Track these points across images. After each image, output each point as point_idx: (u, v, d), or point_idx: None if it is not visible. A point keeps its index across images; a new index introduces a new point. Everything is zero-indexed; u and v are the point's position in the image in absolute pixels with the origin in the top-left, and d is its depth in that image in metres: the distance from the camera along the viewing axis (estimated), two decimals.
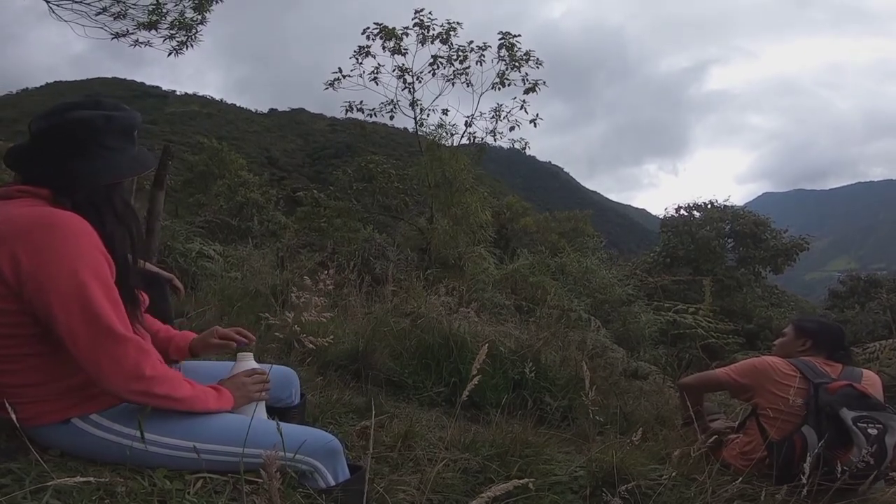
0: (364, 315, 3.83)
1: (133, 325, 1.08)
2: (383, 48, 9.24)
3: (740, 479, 1.70)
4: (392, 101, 9.46)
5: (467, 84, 9.38)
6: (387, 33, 9.14)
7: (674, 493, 1.77)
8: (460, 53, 9.32)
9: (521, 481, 0.94)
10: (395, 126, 10.31)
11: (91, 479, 0.82)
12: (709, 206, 18.09)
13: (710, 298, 5.41)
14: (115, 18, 7.15)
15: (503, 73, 9.34)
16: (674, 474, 1.79)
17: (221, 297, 3.89)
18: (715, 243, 15.97)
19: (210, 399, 1.16)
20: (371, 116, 9.66)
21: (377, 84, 9.36)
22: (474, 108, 9.60)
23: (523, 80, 9.31)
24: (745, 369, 2.08)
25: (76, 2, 6.80)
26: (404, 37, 9.20)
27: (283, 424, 1.14)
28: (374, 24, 9.18)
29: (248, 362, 1.35)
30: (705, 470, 1.82)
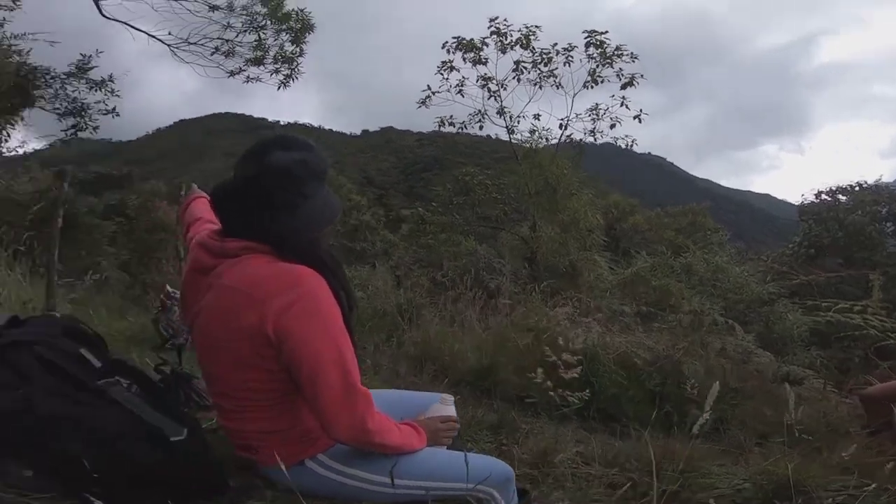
0: (483, 330, 3.84)
1: None
2: (464, 60, 9.36)
3: None
4: (479, 111, 9.53)
5: (557, 86, 9.21)
6: (466, 46, 9.26)
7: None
8: (544, 56, 9.17)
9: None
10: (480, 135, 10.38)
11: None
12: (856, 187, 15.53)
13: (878, 293, 4.59)
14: (225, 56, 8.01)
15: (594, 72, 9.04)
16: (872, 486, 1.55)
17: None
18: (871, 228, 13.62)
19: (413, 442, 1.22)
20: (462, 129, 9.79)
21: (463, 97, 9.49)
22: (569, 109, 9.37)
23: (618, 75, 8.94)
24: None
25: (192, 44, 7.78)
26: (484, 47, 9.26)
27: (469, 455, 1.19)
28: (453, 38, 9.35)
29: (449, 408, 1.38)
30: None
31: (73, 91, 7.96)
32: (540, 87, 9.23)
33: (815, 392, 3.61)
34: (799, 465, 1.76)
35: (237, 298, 1.04)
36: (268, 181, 1.07)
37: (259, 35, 8.02)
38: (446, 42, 9.33)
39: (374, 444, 1.13)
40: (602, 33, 8.95)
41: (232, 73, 8.31)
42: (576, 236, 7.26)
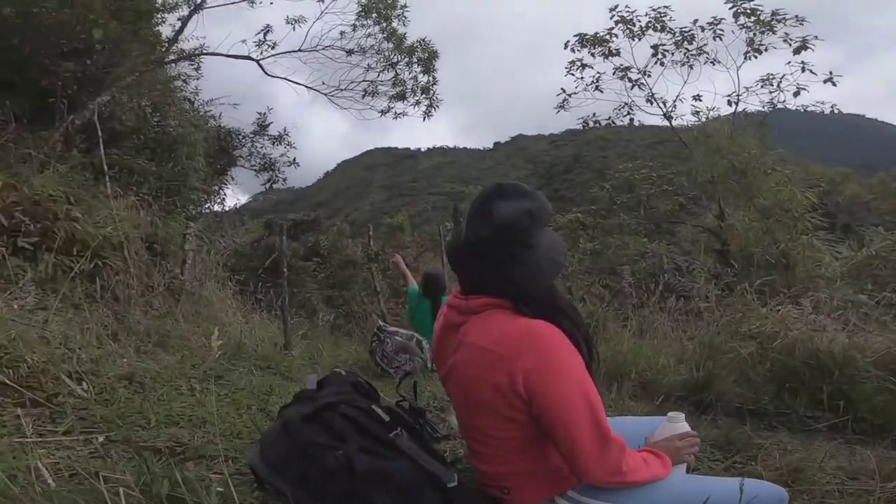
0: (688, 340, 3.49)
1: None
2: (593, 55, 8.87)
3: None
4: (626, 103, 8.94)
5: (712, 62, 8.17)
6: (592, 40, 8.76)
7: None
8: (685, 35, 8.25)
9: None
10: (620, 124, 9.61)
11: None
12: None
13: None
14: (372, 97, 8.69)
15: (752, 41, 7.87)
16: None
17: None
18: None
19: (661, 471, 1.19)
20: (610, 125, 9.26)
21: (602, 92, 8.98)
22: (736, 84, 8.22)
23: (786, 41, 7.65)
24: None
25: (343, 89, 8.55)
26: (614, 37, 8.66)
27: (745, 480, 1.15)
28: (574, 35, 8.93)
29: (681, 424, 1.33)
30: None
31: (262, 147, 9.27)
32: (691, 67, 8.33)
33: None
34: None
35: (486, 357, 1.11)
36: (496, 236, 1.12)
37: (395, 70, 8.60)
38: (568, 42, 8.99)
39: (626, 483, 1.13)
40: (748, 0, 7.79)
41: (382, 112, 9.00)
42: (783, 221, 6.14)
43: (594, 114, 9.26)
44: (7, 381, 1.93)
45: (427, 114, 9.09)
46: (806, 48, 7.56)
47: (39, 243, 3.40)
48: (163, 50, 7.46)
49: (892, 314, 3.54)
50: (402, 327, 4.47)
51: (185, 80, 8.00)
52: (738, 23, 7.92)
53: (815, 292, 3.81)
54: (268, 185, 9.63)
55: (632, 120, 9.12)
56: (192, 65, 8.06)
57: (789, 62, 7.71)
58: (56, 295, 2.88)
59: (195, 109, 7.85)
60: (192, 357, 2.98)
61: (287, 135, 9.42)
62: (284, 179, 9.61)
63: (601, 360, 1.32)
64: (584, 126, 9.44)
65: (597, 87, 8.99)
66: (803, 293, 3.40)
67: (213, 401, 2.11)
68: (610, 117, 9.19)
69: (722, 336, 3.25)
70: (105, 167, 4.52)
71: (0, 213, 3.30)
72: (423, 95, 8.95)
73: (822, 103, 7.93)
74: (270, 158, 9.35)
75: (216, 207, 9.05)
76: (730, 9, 7.89)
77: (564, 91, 9.15)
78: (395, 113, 9.05)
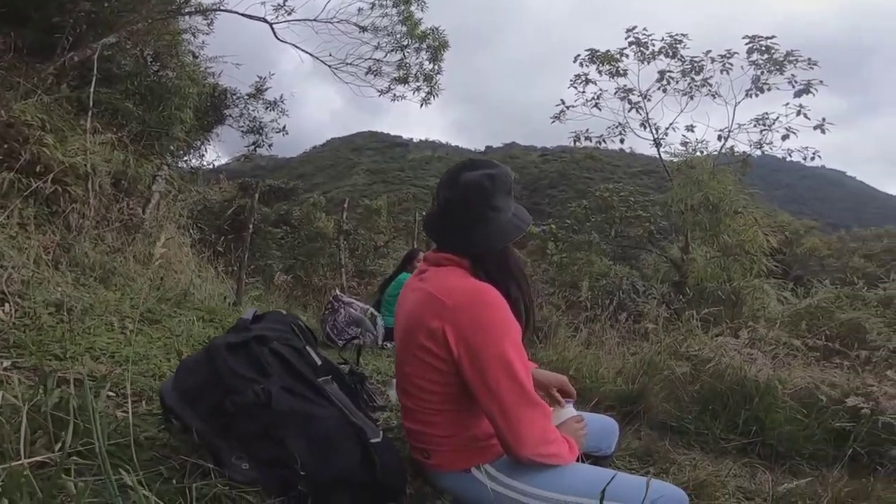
0: (630, 355, 3.62)
1: None
2: (600, 72, 9.02)
3: None
4: (620, 124, 9.10)
5: (713, 95, 8.41)
6: (602, 58, 8.91)
7: None
8: (695, 65, 8.47)
9: None
10: (611, 148, 9.82)
11: None
12: None
13: None
14: (374, 76, 8.62)
15: (758, 79, 8.10)
16: None
17: None
18: None
19: (570, 454, 1.22)
20: (600, 144, 9.41)
21: (600, 109, 9.14)
22: (730, 120, 8.46)
23: (790, 82, 7.88)
24: None
25: (349, 64, 8.46)
26: (624, 58, 8.84)
27: (652, 479, 1.16)
28: (586, 50, 9.07)
29: (571, 410, 1.40)
30: None
31: (254, 111, 9.13)
32: (691, 97, 8.55)
33: None
34: None
35: (432, 303, 1.16)
36: (463, 197, 1.20)
37: (403, 54, 8.55)
38: (578, 55, 9.11)
39: (552, 455, 1.15)
40: (769, 38, 8.02)
41: (381, 92, 8.91)
42: (741, 261, 6.39)
43: (587, 129, 9.37)
44: None
45: (425, 100, 9.04)
46: (808, 92, 7.74)
47: (1, 161, 3.28)
48: (181, 0, 7.29)
49: (818, 357, 3.76)
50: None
51: (193, 34, 7.81)
52: (750, 59, 8.10)
53: (754, 328, 4.01)
54: (252, 148, 9.49)
55: (622, 141, 9.24)
56: (205, 20, 7.84)
57: (787, 103, 7.91)
58: (3, 211, 2.77)
59: (197, 64, 7.72)
60: (133, 297, 2.89)
61: (282, 102, 9.31)
62: (270, 145, 9.48)
63: (534, 323, 1.32)
64: (574, 141, 9.50)
65: (596, 105, 9.13)
66: (743, 327, 3.56)
67: (143, 341, 2.06)
68: (602, 136, 9.30)
69: (661, 356, 3.39)
70: (91, 103, 4.49)
71: None
72: (425, 82, 8.93)
73: (806, 149, 8.16)
74: (260, 122, 9.24)
75: (195, 161, 8.89)
76: (746, 44, 8.08)
77: (563, 102, 9.26)
78: (395, 95, 8.99)
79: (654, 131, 8.83)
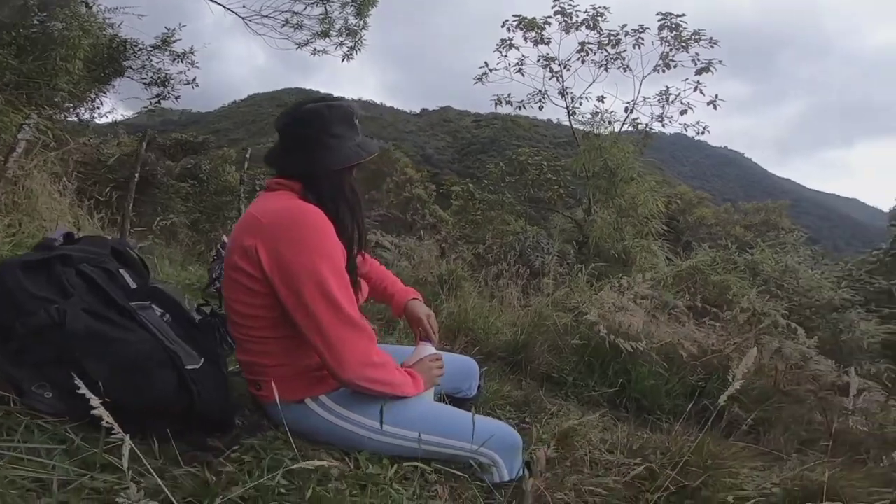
0: (522, 307, 3.79)
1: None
2: (525, 39, 9.19)
3: None
4: (540, 91, 9.36)
5: (624, 69, 8.88)
6: (528, 24, 9.03)
7: None
8: (612, 38, 8.82)
9: None
10: (539, 118, 10.46)
11: (324, 463, 0.90)
12: None
13: None
14: (294, 30, 8.23)
15: (667, 56, 8.62)
16: None
17: None
18: None
19: (410, 384, 1.22)
20: (520, 108, 9.65)
21: (523, 76, 9.34)
22: (636, 93, 9.03)
23: (693, 60, 8.47)
24: None
25: (265, 16, 8.06)
26: (546, 26, 9.02)
27: (476, 416, 1.17)
28: (514, 16, 9.15)
29: (430, 347, 1.41)
30: None
31: (158, 62, 8.57)
32: (606, 70, 8.96)
33: (877, 404, 3.32)
34: (837, 473, 1.63)
35: (249, 223, 1.11)
36: (300, 121, 1.19)
37: (325, 8, 8.19)
38: (506, 20, 9.16)
39: (379, 382, 1.13)
40: (679, 16, 8.49)
41: (300, 46, 8.55)
42: (633, 222, 6.96)
43: (509, 94, 9.56)
44: None
45: (348, 56, 8.70)
46: (708, 70, 8.35)
47: None
48: None
49: (690, 315, 4.15)
50: None
51: None
52: (661, 35, 8.56)
53: (642, 287, 4.34)
54: (155, 101, 8.89)
55: (541, 108, 9.55)
56: None
57: (686, 79, 8.56)
58: None
59: (92, 14, 7.09)
60: None
61: (192, 53, 8.68)
62: (177, 97, 8.96)
63: (363, 248, 1.30)
64: (496, 104, 9.66)
65: (520, 70, 9.28)
66: (624, 283, 3.83)
67: None
68: (522, 101, 9.53)
69: (549, 309, 3.57)
70: None
71: None
72: (349, 37, 8.53)
73: (698, 123, 8.84)
74: (166, 74, 8.64)
75: (86, 115, 8.30)
76: (658, 21, 8.50)
77: (487, 65, 9.33)
78: (314, 49, 8.61)
79: (569, 100, 9.19)
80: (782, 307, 4.99)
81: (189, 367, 1.08)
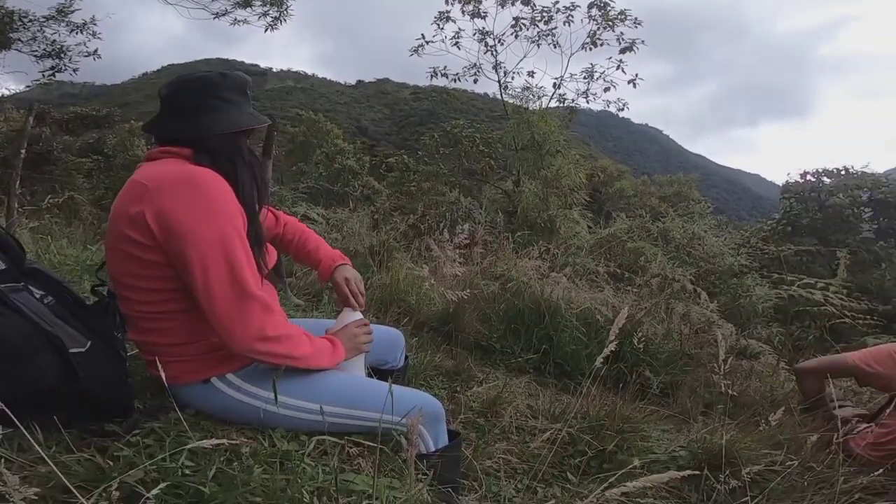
0: (453, 277, 3.83)
1: (259, 273, 1.11)
2: (462, 12, 9.17)
3: (880, 470, 1.46)
4: (475, 64, 9.44)
5: (554, 45, 9.12)
6: None
7: (785, 480, 1.59)
8: (544, 14, 9.01)
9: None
10: (477, 92, 10.68)
11: (224, 441, 0.87)
12: (842, 171, 15.64)
13: (843, 273, 4.65)
14: None
15: (594, 34, 8.91)
16: (796, 462, 1.59)
17: None
18: (849, 212, 13.84)
19: (325, 355, 1.18)
20: (455, 81, 9.72)
21: (459, 49, 9.38)
22: (563, 69, 9.32)
23: (618, 39, 8.86)
24: (882, 356, 1.91)
25: None
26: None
27: (394, 387, 1.13)
28: None
29: (356, 314, 1.37)
30: (824, 459, 1.65)
31: (53, 34, 7.92)
32: (537, 46, 9.14)
33: (769, 367, 3.70)
34: (734, 436, 1.78)
35: (134, 190, 1.04)
36: (188, 87, 1.13)
37: None
38: None
39: (279, 356, 1.08)
40: None
41: (217, 15, 8.00)
42: (557, 193, 7.30)
43: (445, 66, 9.52)
44: None
45: (272, 26, 8.18)
46: (631, 50, 8.74)
47: None
48: None
49: (608, 281, 4.41)
50: None
51: None
52: (590, 13, 8.80)
53: (564, 254, 4.54)
54: (47, 74, 8.12)
55: (475, 81, 9.62)
56: None
57: (610, 57, 8.97)
58: None
59: None
60: None
61: (94, 23, 7.95)
62: (75, 70, 8.24)
63: (265, 206, 1.27)
64: (431, 77, 9.63)
65: (456, 44, 9.28)
66: (547, 251, 3.99)
67: None
68: (457, 74, 9.59)
69: (478, 277, 3.64)
70: None
71: None
72: (273, 6, 7.99)
73: (619, 100, 9.27)
74: (61, 46, 7.94)
75: None
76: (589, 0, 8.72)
77: (423, 37, 9.24)
78: (235, 19, 8.04)
79: (501, 74, 9.32)
80: (690, 273, 5.48)
81: (74, 350, 1.00)
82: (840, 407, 2.06)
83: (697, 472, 1.64)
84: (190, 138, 1.10)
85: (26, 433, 0.93)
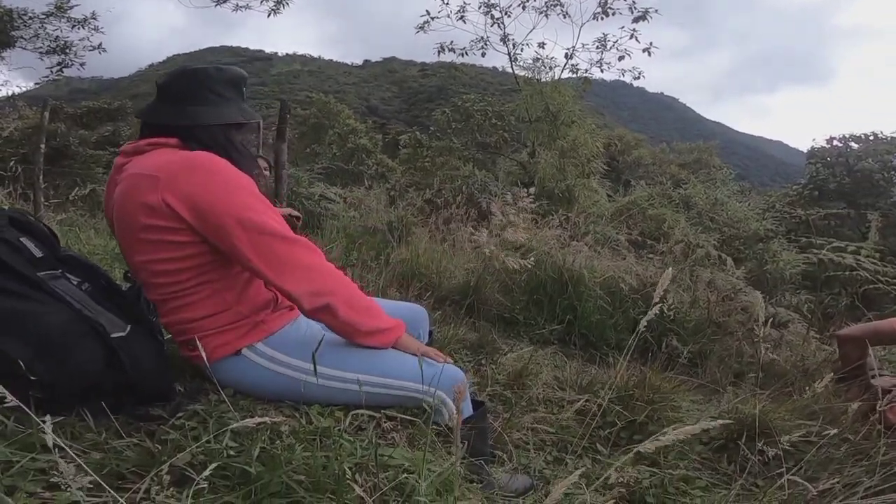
0: (473, 249, 3.80)
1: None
2: None
3: None
4: (482, 38, 9.24)
5: (564, 15, 8.85)
6: None
7: (822, 452, 1.53)
8: None
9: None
10: (485, 66, 10.41)
11: (266, 419, 0.87)
12: (871, 137, 14.98)
13: (875, 236, 4.45)
14: None
15: (606, 2, 8.65)
16: (833, 433, 1.53)
17: (345, 235, 4.10)
18: (878, 176, 13.31)
19: (383, 331, 1.19)
20: (462, 55, 9.51)
21: (465, 23, 9.17)
22: (575, 39, 9.15)
23: (630, 8, 8.55)
24: None
25: None
26: None
27: (415, 358, 1.13)
28: None
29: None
30: (862, 430, 1.58)
31: (55, 30, 8.00)
32: (546, 16, 8.88)
33: (798, 336, 3.60)
34: (767, 406, 1.74)
35: (143, 182, 1.04)
36: (184, 78, 1.17)
37: None
38: None
39: (336, 300, 1.09)
40: None
41: (218, 2, 7.96)
42: (574, 163, 7.18)
43: (451, 41, 9.35)
44: None
45: (274, 10, 8.06)
46: (644, 18, 8.48)
47: None
48: None
49: (630, 249, 4.33)
50: None
51: None
52: None
53: (584, 223, 4.45)
54: (55, 70, 8.25)
55: (483, 55, 9.41)
56: None
57: (623, 27, 8.67)
58: None
59: None
60: None
61: (94, 18, 8.03)
62: (82, 64, 8.41)
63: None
64: (439, 52, 9.46)
65: (461, 18, 9.07)
66: (567, 220, 3.91)
67: None
68: (465, 48, 9.37)
69: (499, 248, 3.58)
70: None
71: None
72: None
73: (634, 69, 9.05)
74: (65, 42, 8.06)
75: None
76: None
77: (429, 13, 9.06)
78: (237, 5, 7.99)
79: (510, 47, 9.07)
80: (714, 239, 5.34)
81: (115, 336, 1.01)
82: (880, 377, 1.99)
83: (732, 440, 1.62)
84: (177, 126, 1.13)
85: (87, 417, 0.95)
